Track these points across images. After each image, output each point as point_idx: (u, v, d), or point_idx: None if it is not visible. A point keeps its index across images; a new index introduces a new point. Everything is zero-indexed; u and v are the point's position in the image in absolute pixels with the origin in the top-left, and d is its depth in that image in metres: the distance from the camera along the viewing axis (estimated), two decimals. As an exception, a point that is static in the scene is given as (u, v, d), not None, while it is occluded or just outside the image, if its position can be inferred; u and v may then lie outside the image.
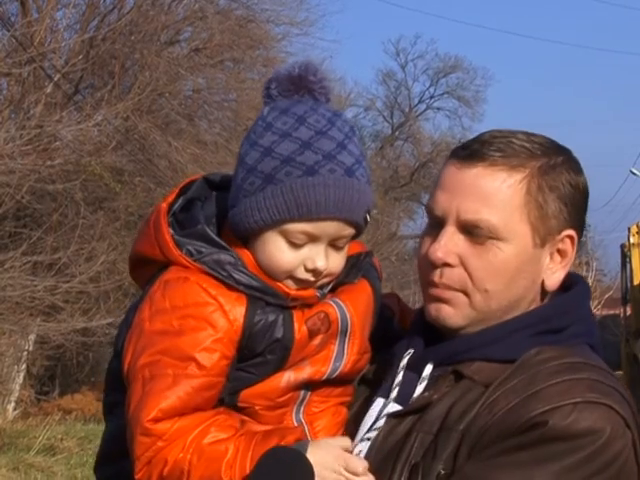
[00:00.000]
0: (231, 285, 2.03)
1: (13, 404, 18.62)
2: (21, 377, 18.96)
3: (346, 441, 2.03)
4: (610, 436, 1.91)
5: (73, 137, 16.82)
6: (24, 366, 18.91)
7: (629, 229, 19.29)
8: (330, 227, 2.05)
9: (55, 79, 17.73)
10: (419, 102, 42.30)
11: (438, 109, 42.24)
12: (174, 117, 20.15)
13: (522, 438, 1.90)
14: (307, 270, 2.06)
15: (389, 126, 42.24)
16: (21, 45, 16.51)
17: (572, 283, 2.15)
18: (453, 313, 2.07)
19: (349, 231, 2.08)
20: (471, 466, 1.92)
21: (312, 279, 2.08)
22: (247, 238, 2.08)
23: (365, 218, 2.09)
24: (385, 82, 42.92)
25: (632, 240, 19.08)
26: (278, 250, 2.05)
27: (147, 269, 2.14)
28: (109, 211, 19.16)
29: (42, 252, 16.72)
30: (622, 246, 19.97)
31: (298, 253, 2.06)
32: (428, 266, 2.08)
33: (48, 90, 17.54)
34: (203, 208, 2.13)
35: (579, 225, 2.10)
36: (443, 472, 1.94)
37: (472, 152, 2.06)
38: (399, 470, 1.99)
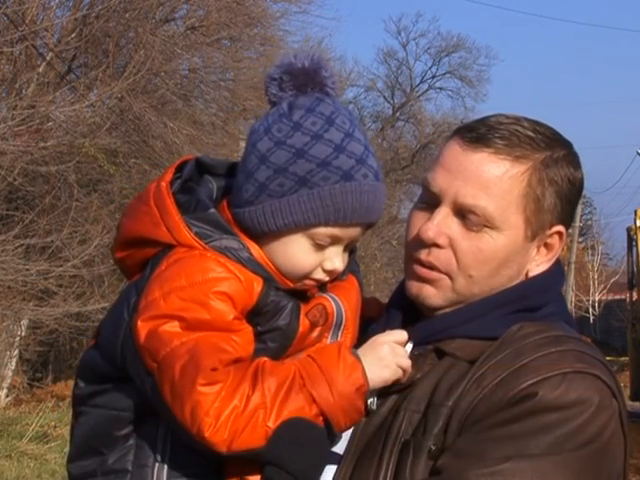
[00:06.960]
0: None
1: (5, 391, 18.70)
2: (13, 363, 19.00)
3: (401, 334, 2.09)
4: (598, 406, 1.95)
5: (66, 118, 16.79)
6: (16, 352, 18.95)
7: (636, 212, 19.32)
8: (355, 231, 2.09)
9: (48, 58, 17.54)
10: (421, 82, 42.00)
11: (440, 89, 41.93)
12: (170, 97, 20.10)
13: (513, 410, 1.94)
14: (324, 270, 2.09)
15: (390, 107, 41.93)
16: (12, 23, 16.36)
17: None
18: (434, 293, 2.10)
19: (364, 232, 2.12)
20: (464, 440, 1.95)
21: (325, 279, 2.11)
22: (260, 236, 2.07)
23: None
24: (386, 61, 42.61)
25: (638, 223, 19.07)
26: (302, 251, 2.07)
27: (141, 251, 2.10)
28: (103, 193, 19.18)
29: (35, 235, 16.72)
30: (628, 229, 19.99)
31: (320, 254, 2.08)
32: (417, 243, 2.11)
33: (40, 69, 17.41)
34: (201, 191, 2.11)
35: (569, 221, 2.15)
36: (434, 448, 1.97)
37: (478, 136, 2.08)
38: (389, 448, 2.01)
